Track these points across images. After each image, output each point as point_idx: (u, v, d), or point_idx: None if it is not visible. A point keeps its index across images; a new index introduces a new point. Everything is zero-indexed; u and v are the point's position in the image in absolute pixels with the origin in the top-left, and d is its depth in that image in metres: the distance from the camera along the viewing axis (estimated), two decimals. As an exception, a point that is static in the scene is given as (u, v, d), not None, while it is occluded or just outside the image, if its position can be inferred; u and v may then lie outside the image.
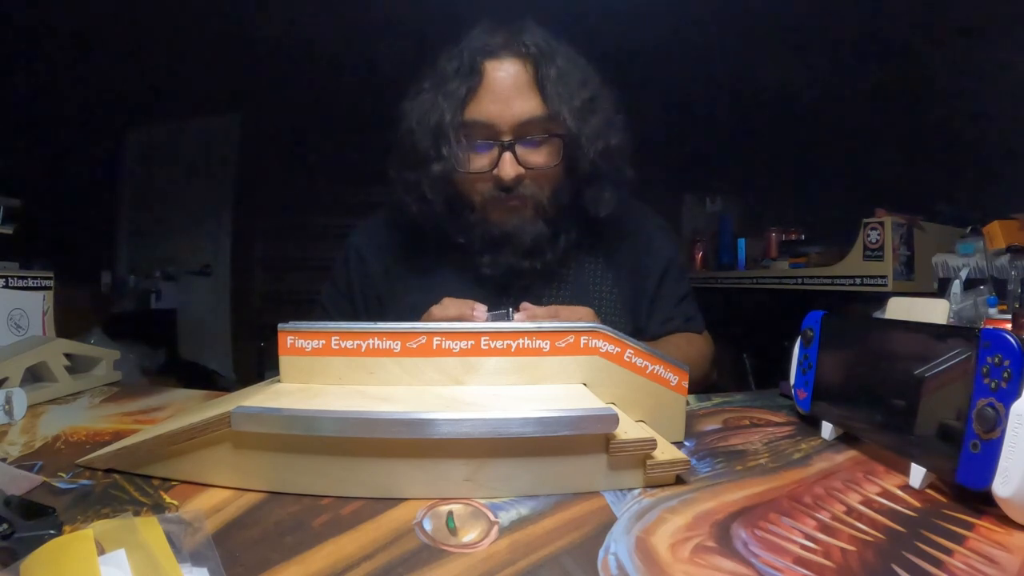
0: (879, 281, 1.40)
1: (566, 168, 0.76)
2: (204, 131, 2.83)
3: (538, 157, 0.74)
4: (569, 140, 0.73)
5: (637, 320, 0.85)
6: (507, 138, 0.72)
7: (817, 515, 0.37)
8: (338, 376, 0.46)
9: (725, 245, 2.22)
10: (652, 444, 0.41)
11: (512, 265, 0.77)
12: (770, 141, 2.11)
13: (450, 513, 0.37)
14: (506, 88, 0.71)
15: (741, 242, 2.13)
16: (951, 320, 0.53)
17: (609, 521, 0.36)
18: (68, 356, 0.71)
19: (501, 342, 0.46)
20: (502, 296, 0.78)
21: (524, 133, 0.72)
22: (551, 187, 0.76)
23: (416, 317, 0.68)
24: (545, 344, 0.47)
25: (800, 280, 1.69)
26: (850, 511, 0.38)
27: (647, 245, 0.87)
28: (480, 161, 0.74)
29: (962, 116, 1.51)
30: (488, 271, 0.78)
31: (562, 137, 0.73)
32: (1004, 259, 0.92)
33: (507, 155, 0.72)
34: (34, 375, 0.68)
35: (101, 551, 0.28)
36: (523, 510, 0.38)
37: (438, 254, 0.82)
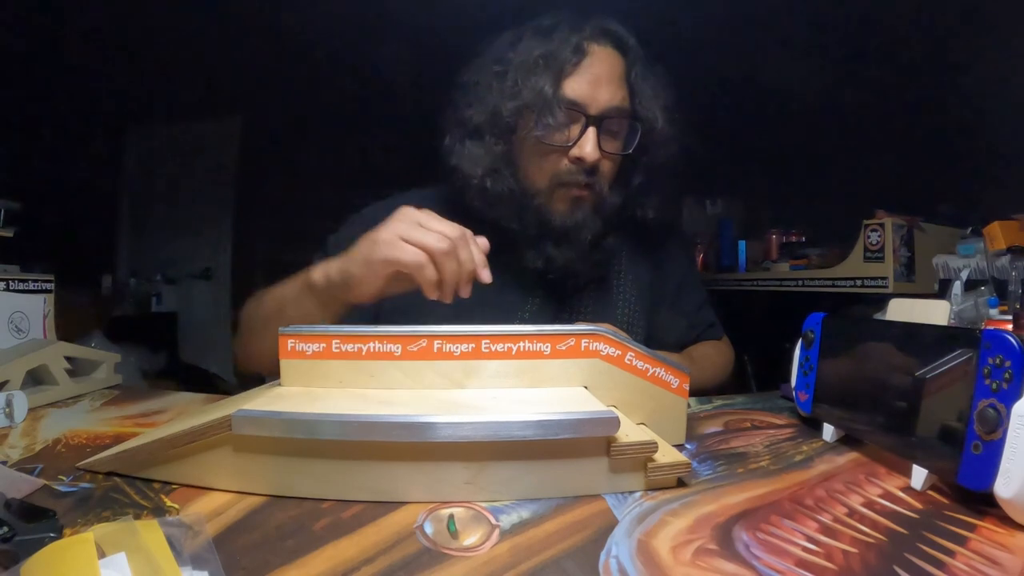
0: (880, 283, 1.40)
1: (628, 167, 0.77)
2: (205, 134, 2.83)
3: (615, 145, 0.74)
4: (646, 136, 0.75)
5: (653, 322, 0.85)
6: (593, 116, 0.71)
7: (819, 517, 0.37)
8: (339, 379, 0.46)
9: (726, 247, 2.22)
10: (653, 447, 0.41)
11: (564, 261, 0.74)
12: (770, 143, 2.11)
13: (451, 516, 0.37)
14: (602, 74, 0.72)
15: (741, 244, 2.13)
16: (952, 321, 0.53)
17: (610, 524, 0.36)
18: (69, 359, 0.71)
19: (502, 345, 0.46)
20: (526, 291, 0.78)
21: (607, 117, 0.72)
22: (608, 184, 0.76)
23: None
24: (546, 347, 0.47)
25: (801, 282, 1.69)
26: (852, 513, 0.38)
27: (667, 251, 0.88)
28: (560, 136, 0.72)
29: (962, 117, 1.51)
30: (535, 264, 0.76)
31: (639, 129, 0.75)
32: (1005, 260, 0.92)
33: (591, 132, 0.71)
34: (35, 378, 0.68)
35: (101, 554, 0.28)
36: (524, 513, 0.38)
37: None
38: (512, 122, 0.72)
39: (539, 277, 0.78)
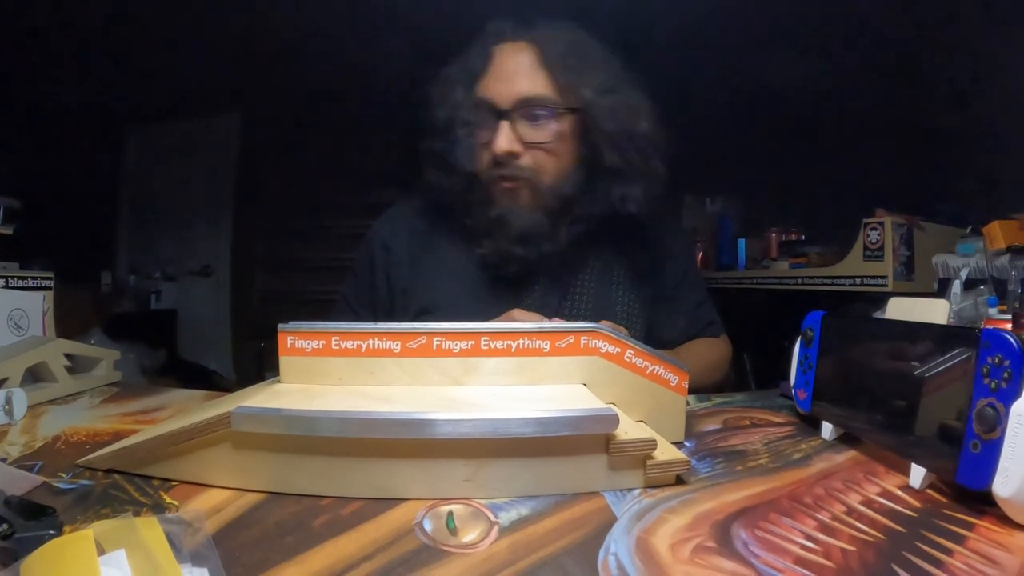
0: (879, 281, 1.40)
1: (579, 156, 0.77)
2: (204, 131, 2.83)
3: (539, 135, 0.75)
4: (580, 121, 0.75)
5: (652, 321, 0.85)
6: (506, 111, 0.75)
7: (817, 515, 0.37)
8: (338, 376, 0.46)
9: (725, 245, 2.22)
10: (652, 444, 0.41)
11: (505, 251, 0.77)
12: (770, 141, 2.11)
13: (450, 513, 0.37)
14: (509, 68, 0.75)
15: (741, 242, 2.13)
16: (951, 320, 0.53)
17: (609, 521, 0.36)
18: (68, 356, 0.71)
19: (501, 342, 0.46)
20: (521, 288, 0.80)
21: (525, 109, 0.74)
22: (554, 173, 0.76)
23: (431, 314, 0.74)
24: (545, 344, 0.47)
25: (800, 280, 1.69)
26: (850, 511, 0.38)
27: (666, 247, 0.88)
28: (484, 135, 0.76)
29: (962, 116, 1.50)
30: (486, 255, 0.79)
31: (564, 114, 0.75)
32: (1004, 259, 0.92)
33: (504, 125, 0.74)
34: (34, 375, 0.67)
35: (101, 551, 0.28)
36: (523, 510, 0.38)
37: (462, 242, 0.83)
38: (448, 129, 0.78)
39: (532, 274, 0.79)
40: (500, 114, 0.74)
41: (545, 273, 0.79)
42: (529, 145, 0.75)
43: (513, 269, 0.78)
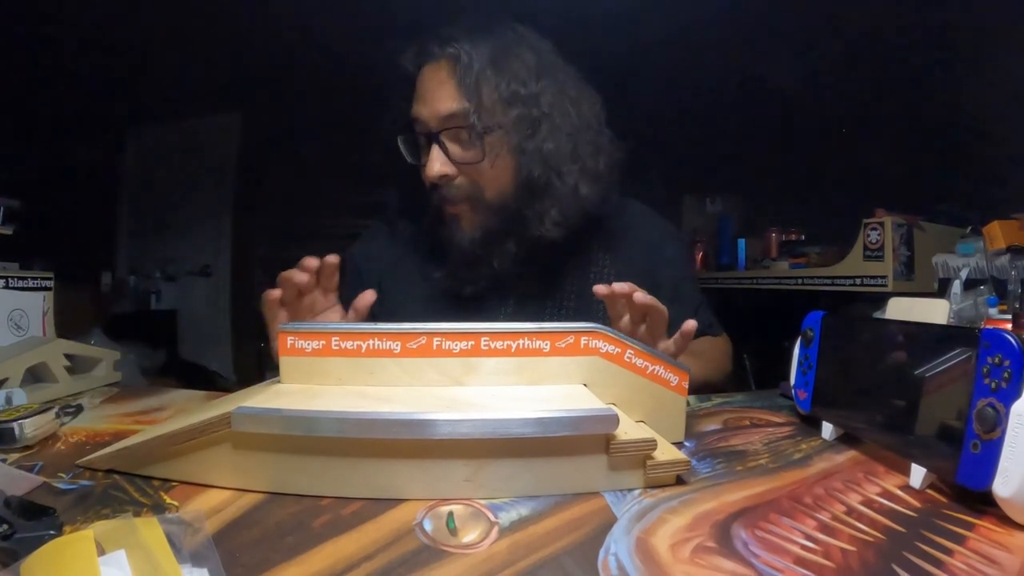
0: (879, 281, 1.40)
1: (519, 172, 0.73)
2: (204, 131, 2.83)
3: (469, 155, 0.72)
4: (507, 138, 0.72)
5: None
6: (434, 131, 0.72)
7: (817, 515, 0.37)
8: (338, 377, 0.46)
9: (725, 245, 2.22)
10: (652, 444, 0.41)
11: (453, 274, 0.76)
12: (770, 141, 2.11)
13: (450, 514, 0.37)
14: (431, 86, 0.72)
15: (741, 242, 2.13)
16: (951, 320, 0.53)
17: (609, 521, 0.36)
18: (68, 356, 0.71)
19: (501, 342, 0.46)
20: (499, 307, 0.79)
21: (453, 130, 0.71)
22: (494, 191, 0.73)
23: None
24: (545, 344, 0.47)
25: (800, 280, 1.69)
26: (850, 511, 0.38)
27: (659, 255, 0.86)
28: (423, 159, 0.74)
29: (963, 116, 1.51)
30: (437, 279, 0.77)
31: (490, 131, 0.70)
32: (1004, 259, 0.92)
33: (434, 149, 0.71)
34: (34, 375, 0.68)
35: (101, 552, 0.28)
36: (523, 511, 0.38)
37: (425, 264, 0.81)
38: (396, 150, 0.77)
39: (504, 290, 0.78)
40: (430, 137, 0.72)
41: (516, 289, 0.78)
42: (461, 165, 0.72)
43: (468, 291, 0.76)
